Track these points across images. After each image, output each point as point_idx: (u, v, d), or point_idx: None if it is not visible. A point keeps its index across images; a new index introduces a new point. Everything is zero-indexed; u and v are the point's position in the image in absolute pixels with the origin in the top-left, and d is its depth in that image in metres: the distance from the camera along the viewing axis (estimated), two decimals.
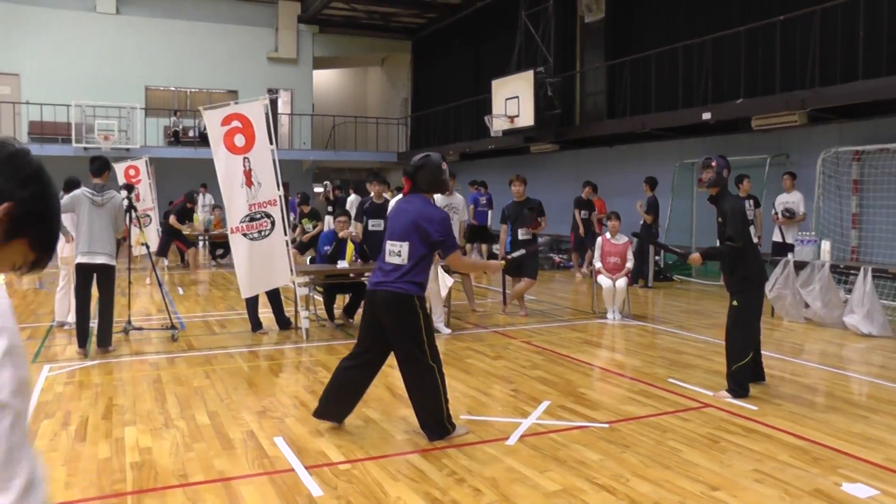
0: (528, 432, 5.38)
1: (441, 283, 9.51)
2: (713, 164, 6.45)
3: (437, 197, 10.68)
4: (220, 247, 17.95)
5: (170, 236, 16.08)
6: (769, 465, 4.72)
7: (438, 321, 9.28)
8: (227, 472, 4.65)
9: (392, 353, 5.35)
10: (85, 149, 22.24)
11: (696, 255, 6.75)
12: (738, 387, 6.29)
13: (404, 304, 5.12)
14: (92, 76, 25.38)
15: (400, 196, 8.81)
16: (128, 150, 23.08)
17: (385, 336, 5.26)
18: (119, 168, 15.39)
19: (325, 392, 5.53)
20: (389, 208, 8.33)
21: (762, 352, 6.84)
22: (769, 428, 5.47)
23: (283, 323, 9.58)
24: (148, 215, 15.13)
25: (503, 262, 6.40)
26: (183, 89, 27.33)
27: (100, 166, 8.15)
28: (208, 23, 27.13)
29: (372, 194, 10.59)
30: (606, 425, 5.53)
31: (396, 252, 5.22)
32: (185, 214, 16.39)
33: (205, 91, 27.04)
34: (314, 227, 14.77)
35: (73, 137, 23.02)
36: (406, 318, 5.13)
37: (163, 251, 15.89)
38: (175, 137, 25.81)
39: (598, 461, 4.78)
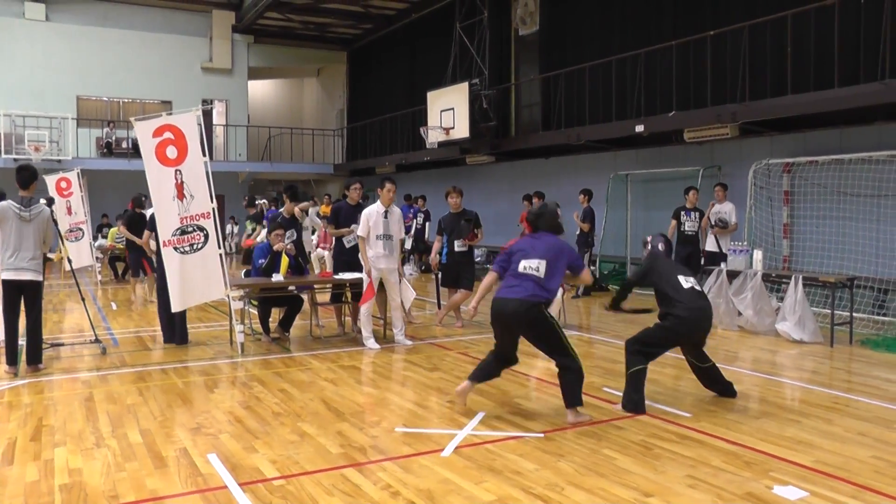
0: (463, 443, 5.38)
1: (404, 295, 9.51)
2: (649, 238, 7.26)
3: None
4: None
5: (136, 253, 13.33)
6: (702, 470, 4.81)
7: (370, 336, 9.29)
8: (159, 492, 4.55)
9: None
10: (15, 160, 21.64)
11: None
12: (632, 401, 6.31)
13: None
14: (22, 85, 24.78)
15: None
16: (59, 161, 22.59)
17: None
18: (50, 180, 15.04)
19: None
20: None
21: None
22: (702, 434, 5.57)
23: (180, 337, 9.47)
24: (80, 228, 14.82)
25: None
26: (116, 99, 26.82)
27: (27, 177, 7.84)
28: (141, 31, 26.70)
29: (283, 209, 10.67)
30: (542, 435, 5.57)
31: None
32: (138, 222, 13.47)
33: (138, 101, 26.62)
34: (254, 231, 14.47)
35: (3, 148, 22.45)
36: None
37: (136, 270, 13.61)
38: (108, 149, 25.33)
39: (533, 471, 4.81)
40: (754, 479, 4.67)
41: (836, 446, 5.32)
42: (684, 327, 6.36)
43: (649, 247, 7.18)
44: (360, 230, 9.18)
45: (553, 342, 6.03)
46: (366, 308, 9.23)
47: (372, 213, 9.15)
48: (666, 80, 14.18)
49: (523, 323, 5.96)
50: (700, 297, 6.50)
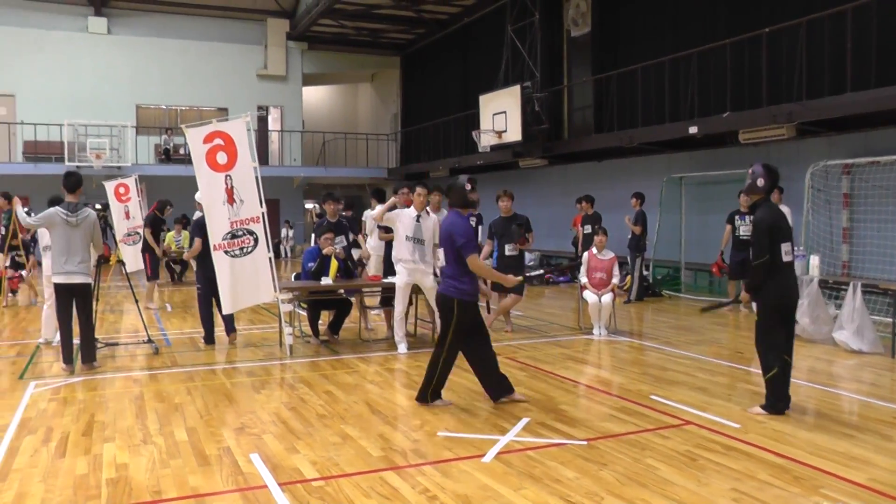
0: (505, 449, 5.33)
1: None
2: (750, 171, 6.42)
3: (409, 211, 10.61)
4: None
5: (155, 256, 13.80)
6: (748, 484, 4.67)
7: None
8: (200, 489, 4.61)
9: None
10: (77, 167, 22.23)
11: (744, 296, 6.75)
12: (770, 400, 6.26)
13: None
14: (84, 96, 25.53)
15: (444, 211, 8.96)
16: (119, 167, 23.13)
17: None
18: (109, 186, 15.37)
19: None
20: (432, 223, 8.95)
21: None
22: (750, 446, 5.41)
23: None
24: (137, 232, 15.09)
25: (521, 277, 6.98)
26: (173, 107, 27.40)
27: (74, 182, 8.08)
28: (198, 41, 27.25)
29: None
30: (585, 443, 5.49)
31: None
32: (157, 225, 14.14)
33: (195, 109, 27.11)
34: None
35: (66, 156, 23.17)
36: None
37: (155, 273, 13.70)
38: (166, 155, 25.88)
39: (573, 479, 4.74)
40: (803, 495, 4.50)
41: (893, 464, 5.07)
42: (793, 296, 6.26)
43: (759, 182, 6.32)
44: (375, 213, 9.45)
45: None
46: (401, 313, 9.15)
47: (402, 215, 9.00)
48: (720, 79, 13.91)
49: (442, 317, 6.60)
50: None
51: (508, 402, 6.62)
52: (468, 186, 6.62)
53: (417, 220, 8.95)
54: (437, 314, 9.27)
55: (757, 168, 6.35)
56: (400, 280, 9.00)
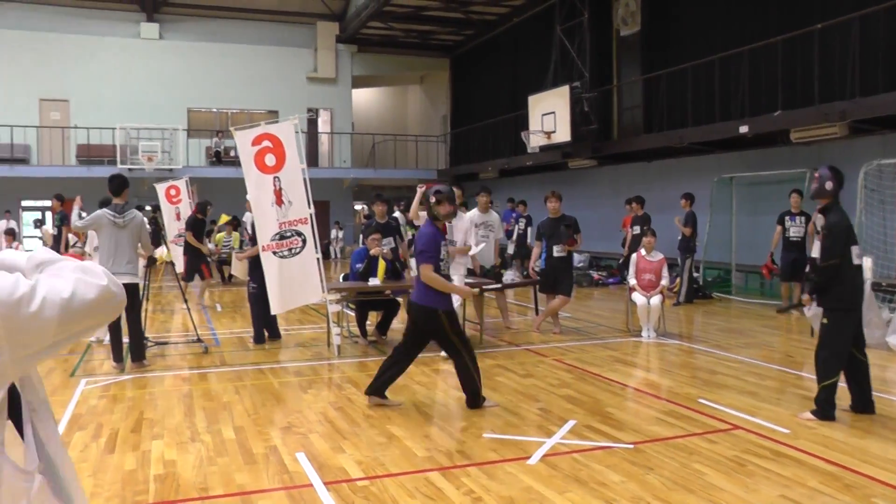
0: (550, 452, 5.31)
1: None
2: (817, 174, 6.36)
3: (474, 213, 10.71)
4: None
5: (194, 258, 13.66)
6: (797, 491, 4.57)
7: None
8: (246, 487, 4.67)
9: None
10: (130, 170, 22.68)
11: (805, 297, 6.62)
12: (822, 408, 6.14)
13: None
14: (136, 100, 26.04)
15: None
16: (171, 170, 23.52)
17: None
18: (160, 188, 15.67)
19: None
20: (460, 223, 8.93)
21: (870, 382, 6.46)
22: (800, 452, 5.31)
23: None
24: None
25: (475, 290, 7.03)
26: (224, 110, 27.80)
27: (118, 185, 8.26)
28: (248, 45, 27.61)
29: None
30: (631, 446, 5.44)
31: None
32: (198, 227, 13.99)
33: (245, 112, 27.47)
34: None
35: (119, 159, 23.61)
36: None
37: (190, 275, 13.60)
38: (217, 157, 26.24)
39: (619, 483, 4.70)
40: (853, 503, 4.40)
41: None
42: (857, 312, 6.17)
43: (827, 185, 6.22)
44: (411, 211, 9.39)
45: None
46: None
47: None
48: (771, 78, 13.65)
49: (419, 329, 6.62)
50: None
51: (377, 404, 6.63)
52: (432, 199, 6.70)
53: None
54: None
55: (824, 171, 6.30)
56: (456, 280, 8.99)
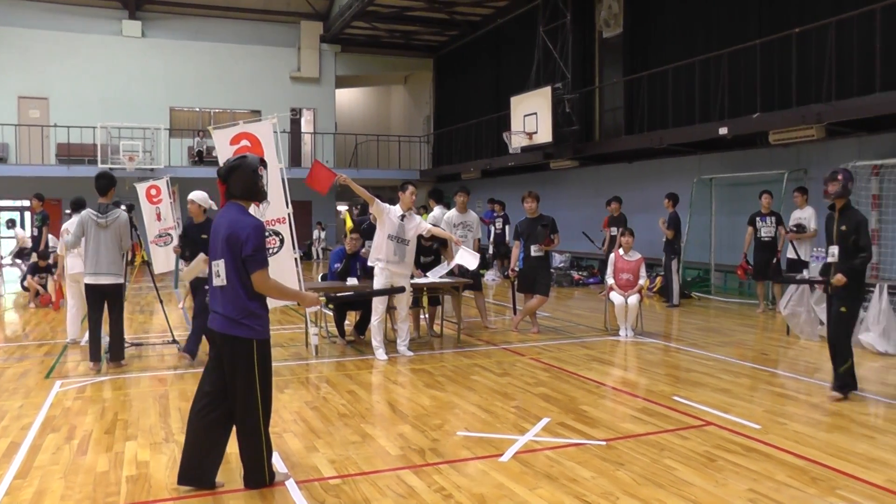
0: (523, 449, 5.34)
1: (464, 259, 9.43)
2: (839, 177, 6.73)
3: (453, 214, 10.79)
4: None
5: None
6: (765, 485, 4.64)
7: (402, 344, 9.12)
8: (218, 487, 4.66)
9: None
10: (110, 169, 22.50)
11: (840, 277, 6.70)
12: (847, 383, 6.81)
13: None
14: (118, 98, 25.88)
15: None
16: (152, 170, 23.36)
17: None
18: (140, 188, 15.58)
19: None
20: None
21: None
22: (769, 447, 5.38)
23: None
24: (169, 234, 15.28)
25: (322, 298, 5.37)
26: (207, 110, 27.70)
27: (105, 184, 8.21)
28: (231, 44, 27.52)
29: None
30: (604, 443, 5.49)
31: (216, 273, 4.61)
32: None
33: (228, 111, 27.38)
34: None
35: (100, 159, 23.39)
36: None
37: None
38: (199, 157, 26.11)
39: (590, 479, 4.74)
40: (820, 496, 4.47)
41: None
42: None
43: (849, 186, 6.73)
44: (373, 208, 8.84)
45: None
46: (377, 319, 8.87)
47: (391, 211, 8.81)
48: (750, 80, 13.80)
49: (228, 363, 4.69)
50: None
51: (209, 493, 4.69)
52: (261, 171, 4.83)
53: (402, 220, 8.82)
54: (401, 323, 9.17)
55: (845, 173, 6.75)
56: (378, 282, 8.79)
